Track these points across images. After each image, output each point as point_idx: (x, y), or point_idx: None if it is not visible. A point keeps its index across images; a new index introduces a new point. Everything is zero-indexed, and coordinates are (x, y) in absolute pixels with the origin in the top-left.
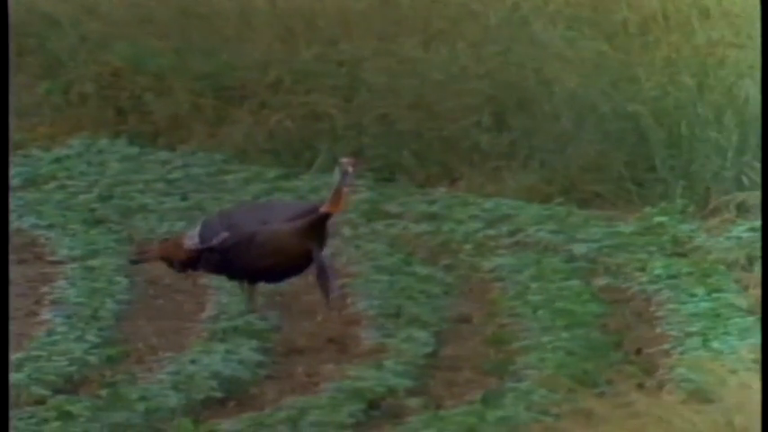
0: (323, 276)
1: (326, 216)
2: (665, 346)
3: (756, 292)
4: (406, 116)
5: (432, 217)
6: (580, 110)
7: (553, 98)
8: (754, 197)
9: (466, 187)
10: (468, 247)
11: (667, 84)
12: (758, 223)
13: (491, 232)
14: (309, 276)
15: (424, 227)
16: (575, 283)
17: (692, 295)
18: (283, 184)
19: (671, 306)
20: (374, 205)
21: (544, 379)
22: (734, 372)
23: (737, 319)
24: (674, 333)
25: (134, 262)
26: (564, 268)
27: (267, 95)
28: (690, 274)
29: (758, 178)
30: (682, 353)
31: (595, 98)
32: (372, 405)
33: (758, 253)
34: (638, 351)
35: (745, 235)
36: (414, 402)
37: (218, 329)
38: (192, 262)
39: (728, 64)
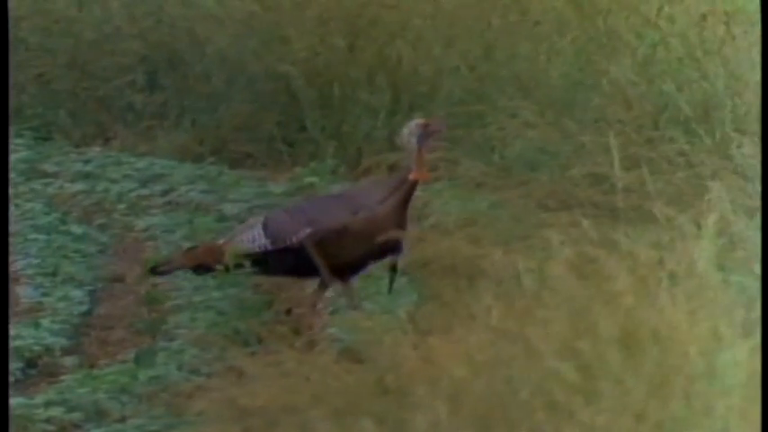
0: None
1: (416, 184)
2: (317, 306)
3: (409, 251)
4: (61, 75)
5: (87, 176)
6: (231, 70)
7: (205, 58)
8: (406, 157)
9: (120, 146)
10: (121, 206)
11: (318, 44)
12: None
13: (144, 192)
14: None
15: (79, 186)
16: None
17: None
18: None
19: None
20: (32, 164)
21: (196, 338)
22: (387, 331)
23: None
24: (327, 293)
25: (160, 273)
26: (216, 227)
27: None
28: None
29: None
30: (332, 313)
31: (246, 58)
32: (30, 363)
33: (410, 213)
34: (289, 311)
35: None
36: (68, 361)
37: None
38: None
39: (380, 24)
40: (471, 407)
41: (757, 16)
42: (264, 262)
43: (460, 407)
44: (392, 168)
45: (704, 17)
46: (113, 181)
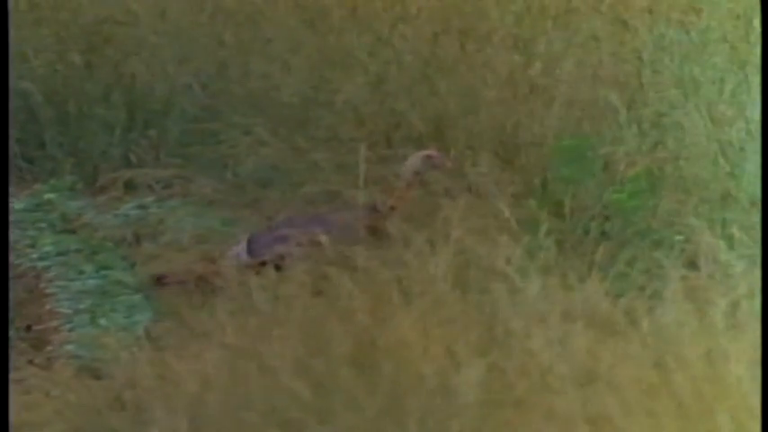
0: None
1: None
2: (55, 323)
3: (144, 268)
4: None
5: None
6: None
7: None
8: (141, 174)
9: None
10: None
11: (56, 61)
12: (147, 200)
13: None
14: None
15: None
16: None
17: (81, 272)
18: None
19: (60, 283)
20: None
21: None
22: (124, 348)
23: (124, 297)
24: (63, 310)
25: (163, 284)
26: None
27: None
28: (79, 251)
29: (146, 155)
30: (70, 329)
31: None
32: None
33: (145, 230)
34: (29, 328)
35: (132, 212)
36: None
37: None
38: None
39: (115, 41)
40: (207, 423)
41: (493, 34)
42: None
43: (196, 423)
44: (128, 185)
45: (437, 35)
46: None
